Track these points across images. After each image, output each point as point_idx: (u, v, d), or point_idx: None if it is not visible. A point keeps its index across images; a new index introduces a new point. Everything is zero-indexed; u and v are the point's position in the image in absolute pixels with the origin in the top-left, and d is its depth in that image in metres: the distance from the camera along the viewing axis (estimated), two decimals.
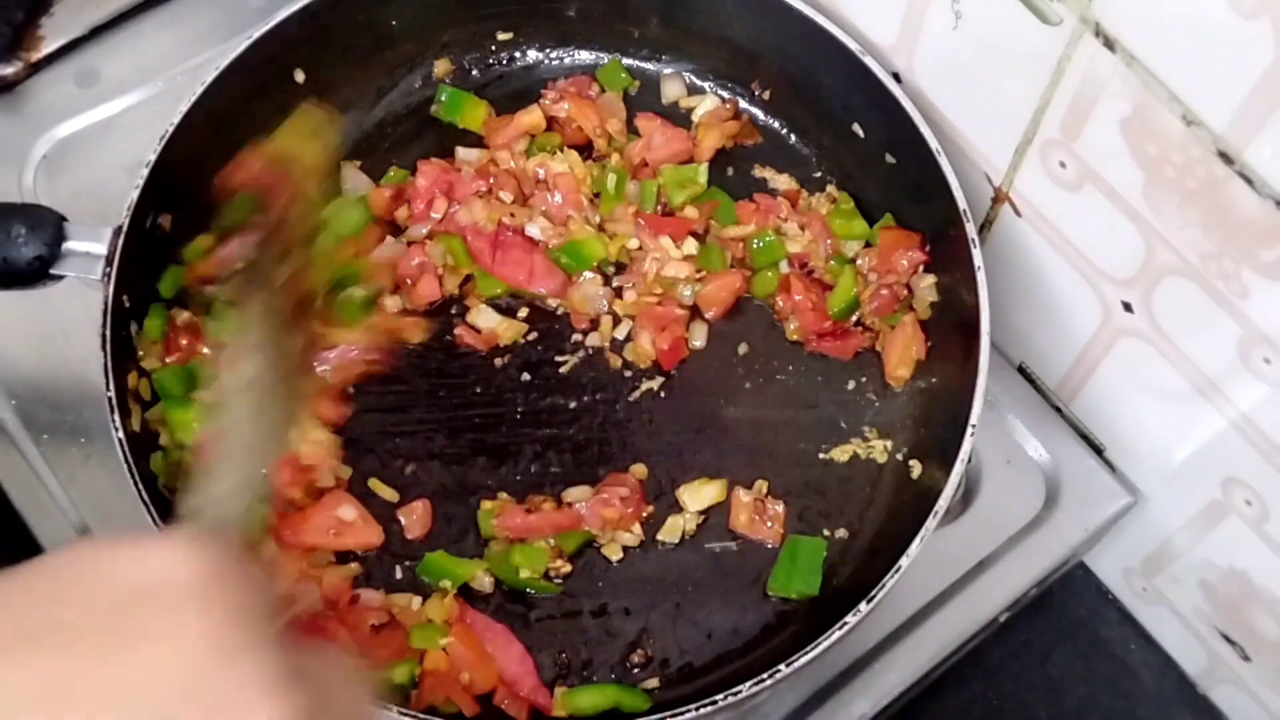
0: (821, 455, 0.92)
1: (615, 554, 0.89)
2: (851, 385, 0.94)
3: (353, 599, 0.87)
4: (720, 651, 0.87)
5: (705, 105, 1.03)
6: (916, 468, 0.90)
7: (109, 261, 0.86)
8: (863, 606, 0.78)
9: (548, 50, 1.05)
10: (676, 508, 0.90)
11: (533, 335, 0.96)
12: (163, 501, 0.82)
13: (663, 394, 0.94)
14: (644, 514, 0.90)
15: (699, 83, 1.04)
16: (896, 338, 0.92)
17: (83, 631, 0.39)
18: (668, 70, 1.04)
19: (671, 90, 1.03)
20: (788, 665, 0.77)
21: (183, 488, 0.62)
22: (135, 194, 0.88)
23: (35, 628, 0.39)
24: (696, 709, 0.76)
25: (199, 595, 0.41)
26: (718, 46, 1.02)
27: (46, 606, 0.40)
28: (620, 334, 0.96)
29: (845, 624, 0.77)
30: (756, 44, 0.99)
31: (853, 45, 0.92)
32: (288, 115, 0.98)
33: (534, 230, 0.97)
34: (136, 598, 0.41)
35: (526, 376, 0.95)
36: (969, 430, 0.82)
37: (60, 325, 0.98)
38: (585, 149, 1.01)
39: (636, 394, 0.94)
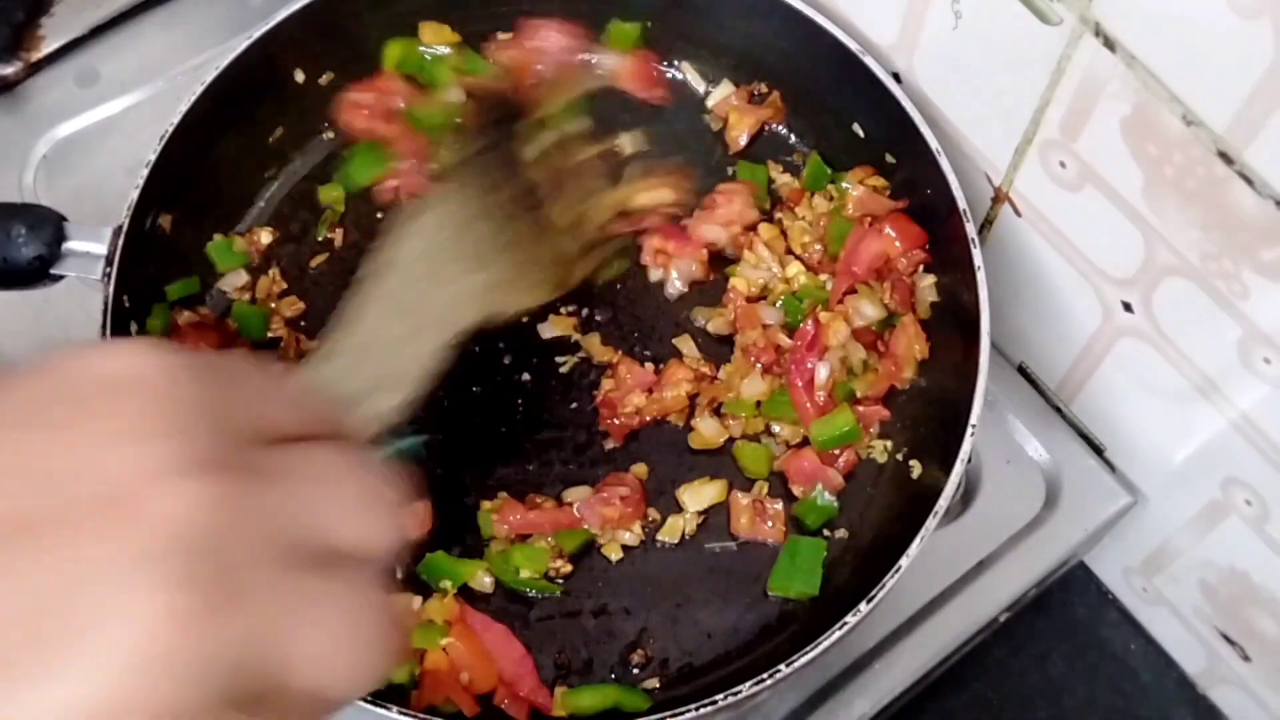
0: None
1: (615, 554, 0.89)
2: None
3: None
4: (720, 651, 0.87)
5: (719, 93, 1.03)
6: (916, 468, 0.90)
7: (109, 261, 0.86)
8: (863, 606, 0.78)
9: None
10: (676, 507, 0.90)
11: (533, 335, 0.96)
12: None
13: None
14: (644, 514, 0.90)
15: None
16: (898, 339, 0.92)
17: (21, 411, 0.39)
18: (667, 71, 1.04)
19: None
20: (788, 665, 0.77)
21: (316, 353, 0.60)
22: (135, 194, 0.88)
23: None
24: (696, 709, 0.76)
25: (141, 386, 0.39)
26: (716, 47, 1.02)
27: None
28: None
29: (845, 624, 0.77)
30: (756, 44, 0.99)
31: (853, 45, 0.92)
32: (288, 115, 1.00)
33: None
34: (88, 386, 0.40)
35: (526, 376, 0.95)
36: (969, 430, 0.82)
37: (60, 325, 0.98)
38: None
39: None
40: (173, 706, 0.36)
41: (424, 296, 0.66)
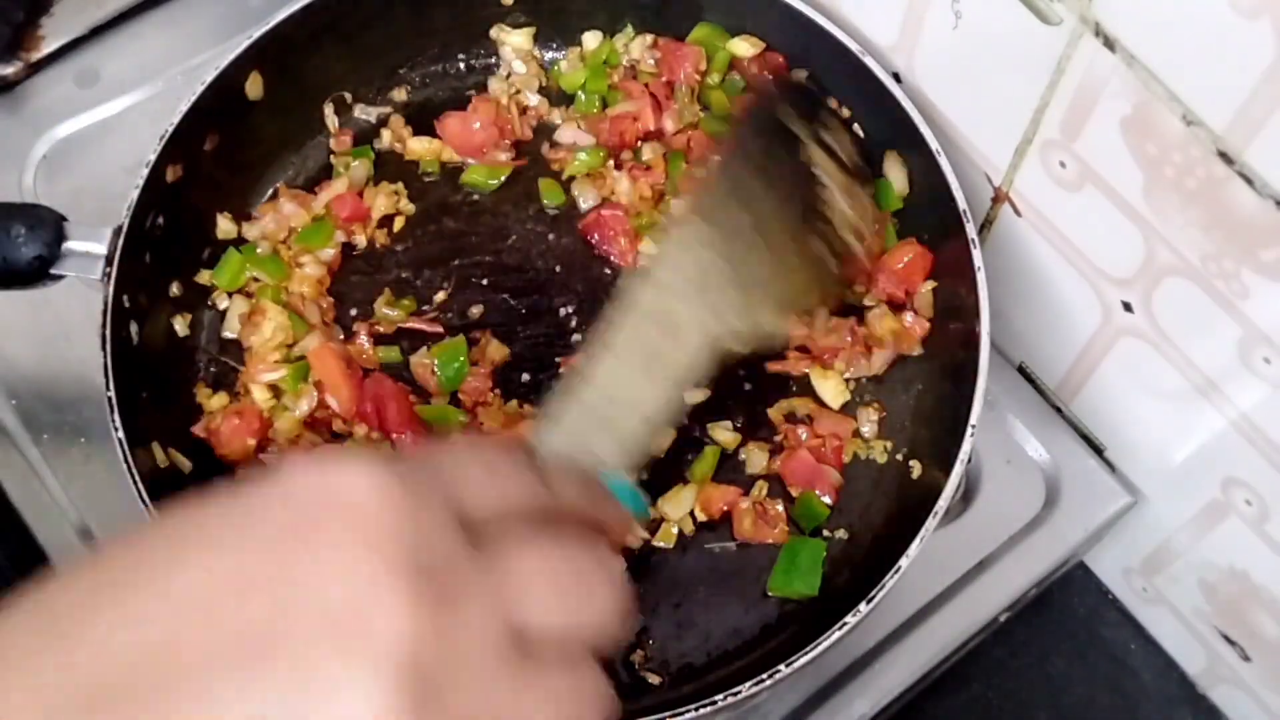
0: None
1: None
2: (851, 385, 0.94)
3: None
4: (720, 651, 0.87)
5: None
6: (916, 468, 0.90)
7: (109, 261, 0.86)
8: (863, 606, 0.78)
9: (552, 46, 1.05)
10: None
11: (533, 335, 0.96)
12: (162, 502, 0.82)
13: None
14: (630, 529, 0.89)
15: None
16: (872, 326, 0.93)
17: (248, 540, 0.43)
18: None
19: None
20: (788, 665, 0.77)
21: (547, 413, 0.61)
22: (135, 194, 0.88)
23: (209, 534, 0.44)
24: (696, 709, 0.76)
25: (364, 507, 0.43)
26: (714, 46, 1.02)
27: (232, 514, 0.44)
28: None
29: (845, 624, 0.77)
30: (755, 44, 0.99)
31: (853, 45, 0.92)
32: (288, 115, 1.00)
33: None
34: (310, 508, 0.43)
35: (526, 377, 0.95)
36: (969, 430, 0.82)
37: (60, 325, 0.98)
38: None
39: None
40: None
41: (678, 315, 0.65)
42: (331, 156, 1.01)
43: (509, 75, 1.04)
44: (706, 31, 1.01)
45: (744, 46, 1.00)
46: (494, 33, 1.04)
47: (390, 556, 0.42)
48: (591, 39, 1.03)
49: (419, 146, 1.01)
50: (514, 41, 1.04)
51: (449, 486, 0.47)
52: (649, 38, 1.02)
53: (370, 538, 0.42)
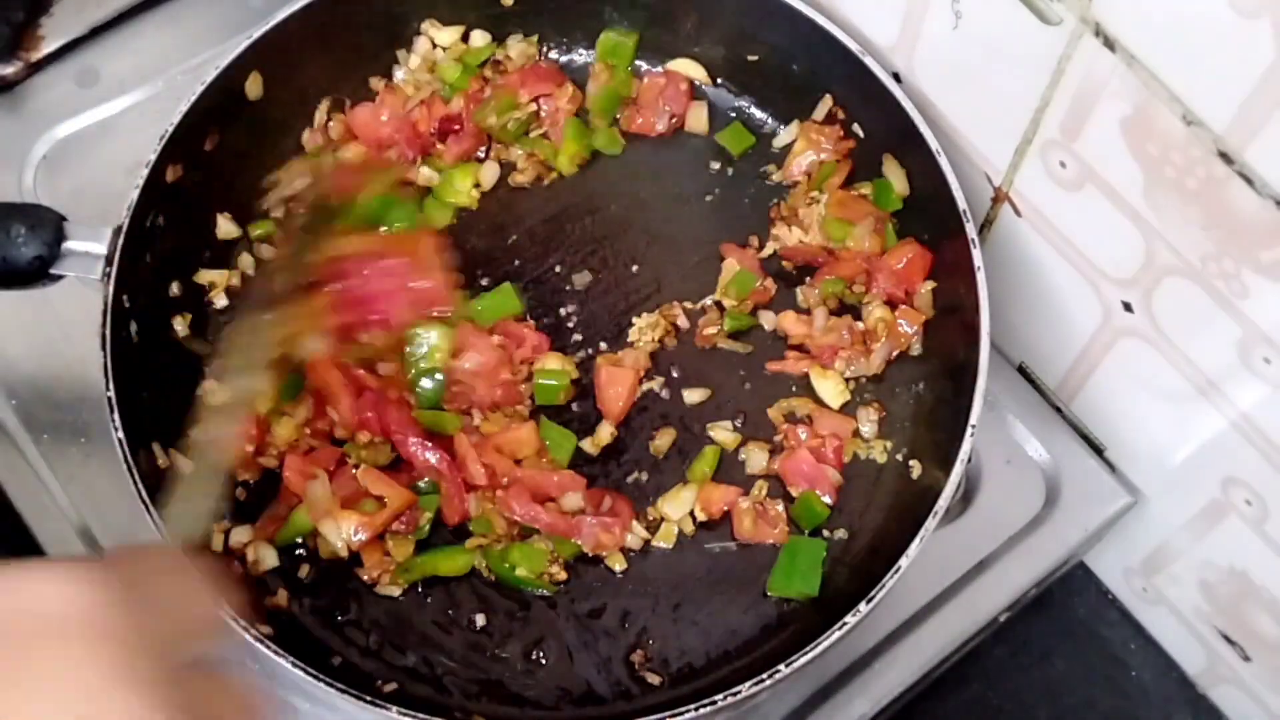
0: None
1: (619, 565, 0.89)
2: (851, 385, 0.94)
3: None
4: (720, 651, 0.87)
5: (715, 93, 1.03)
6: (916, 468, 0.90)
7: (109, 261, 0.86)
8: (862, 606, 0.78)
9: (562, 46, 1.05)
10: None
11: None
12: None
13: (664, 393, 0.94)
14: (630, 528, 0.89)
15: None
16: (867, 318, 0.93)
17: None
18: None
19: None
20: (788, 665, 0.77)
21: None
22: (135, 194, 0.88)
23: None
24: (696, 709, 0.76)
25: (83, 628, 0.43)
26: (717, 46, 1.02)
27: None
28: (633, 337, 0.96)
29: (845, 624, 0.77)
30: (756, 44, 1.00)
31: (853, 45, 0.92)
32: (288, 114, 1.00)
33: None
34: (21, 631, 0.43)
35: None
36: (969, 430, 0.82)
37: (60, 325, 0.98)
38: None
39: (639, 392, 0.94)
40: None
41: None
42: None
43: (422, 68, 1.03)
44: (611, 44, 1.02)
45: (689, 66, 1.02)
46: (424, 26, 1.03)
47: (120, 663, 0.43)
48: (479, 38, 1.03)
49: (349, 153, 1.01)
50: (440, 38, 1.03)
51: (154, 603, 0.47)
52: (532, 48, 1.03)
53: (97, 661, 0.43)
